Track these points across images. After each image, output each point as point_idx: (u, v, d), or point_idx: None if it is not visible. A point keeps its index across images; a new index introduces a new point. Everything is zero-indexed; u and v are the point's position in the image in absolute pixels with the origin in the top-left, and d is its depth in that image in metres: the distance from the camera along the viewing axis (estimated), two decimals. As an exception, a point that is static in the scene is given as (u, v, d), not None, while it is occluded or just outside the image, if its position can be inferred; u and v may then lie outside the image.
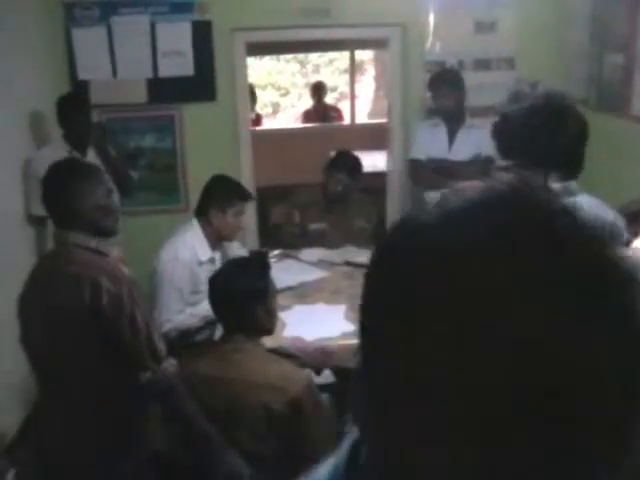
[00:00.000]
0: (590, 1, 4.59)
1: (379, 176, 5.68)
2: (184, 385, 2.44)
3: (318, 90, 8.59)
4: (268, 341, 2.73)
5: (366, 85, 10.59)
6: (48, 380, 2.46)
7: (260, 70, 10.39)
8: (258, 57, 9.69)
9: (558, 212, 0.62)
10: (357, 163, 4.48)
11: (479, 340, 0.53)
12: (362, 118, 9.25)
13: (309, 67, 11.76)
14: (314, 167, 6.14)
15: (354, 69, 8.88)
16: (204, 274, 3.48)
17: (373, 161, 6.20)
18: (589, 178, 2.41)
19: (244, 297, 2.54)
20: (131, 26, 4.69)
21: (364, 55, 10.19)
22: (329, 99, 8.76)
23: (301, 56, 11.35)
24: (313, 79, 10.33)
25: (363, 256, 4.16)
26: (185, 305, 3.44)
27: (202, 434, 2.39)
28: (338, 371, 3.54)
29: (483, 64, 4.95)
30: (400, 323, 0.58)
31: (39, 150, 4.24)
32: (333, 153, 4.98)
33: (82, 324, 2.33)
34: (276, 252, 4.13)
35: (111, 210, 2.50)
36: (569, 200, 1.97)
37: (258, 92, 8.80)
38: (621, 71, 4.23)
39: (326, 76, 10.57)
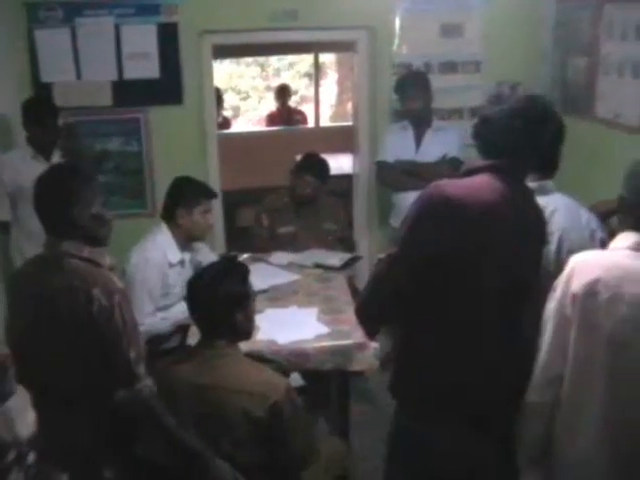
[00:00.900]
0: (554, 5, 4.67)
1: (345, 179, 5.70)
2: (161, 404, 2.40)
3: (283, 93, 8.58)
4: (243, 345, 2.71)
5: (327, 89, 10.61)
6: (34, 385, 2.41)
7: (221, 74, 10.33)
8: (219, 60, 9.64)
9: None
10: (325, 165, 4.48)
11: None
12: (324, 121, 9.28)
13: (269, 70, 11.75)
14: (280, 170, 6.14)
15: (319, 72, 8.90)
16: (174, 276, 3.47)
17: (338, 164, 6.21)
18: (555, 180, 2.46)
19: (228, 302, 2.52)
20: (96, 28, 4.60)
21: (325, 59, 10.22)
22: (290, 103, 8.77)
23: (261, 59, 11.34)
24: (274, 83, 10.33)
25: (332, 258, 4.18)
26: (155, 308, 3.41)
27: (187, 450, 2.36)
28: (307, 374, 3.55)
29: (450, 67, 4.98)
30: None
31: (3, 154, 4.17)
32: (299, 156, 4.98)
33: (73, 333, 2.30)
34: (245, 256, 4.11)
35: (105, 219, 2.45)
36: (544, 198, 2.01)
37: (220, 95, 8.75)
38: (584, 74, 4.32)
39: (287, 80, 10.57)
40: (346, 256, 4.25)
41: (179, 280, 3.45)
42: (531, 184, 2.23)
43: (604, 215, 2.57)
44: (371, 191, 5.21)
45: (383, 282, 2.10)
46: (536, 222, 2.15)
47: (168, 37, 4.70)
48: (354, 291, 3.79)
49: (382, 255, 2.12)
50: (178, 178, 3.65)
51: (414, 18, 4.86)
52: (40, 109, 4.13)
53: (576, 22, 4.39)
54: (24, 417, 1.73)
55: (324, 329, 3.26)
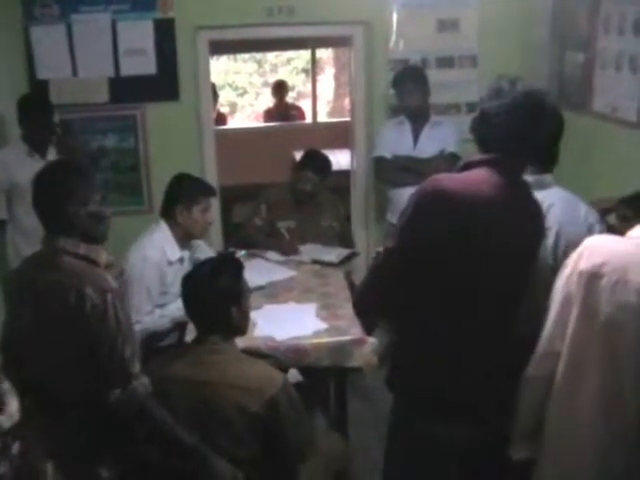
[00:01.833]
0: (551, 0, 4.65)
1: (342, 174, 5.68)
2: (156, 402, 2.39)
3: (280, 89, 8.56)
4: (240, 342, 2.71)
5: (324, 84, 10.60)
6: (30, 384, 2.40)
7: (217, 70, 10.31)
8: (215, 57, 9.63)
9: None
10: (326, 162, 4.48)
11: None
12: (322, 117, 9.26)
13: (267, 67, 11.73)
14: (277, 166, 6.13)
15: (315, 68, 8.89)
16: (173, 274, 3.45)
17: (336, 159, 6.17)
18: (552, 174, 2.46)
19: (224, 297, 2.53)
20: (92, 24, 4.59)
21: (322, 54, 10.20)
22: (287, 98, 8.76)
23: (258, 56, 11.33)
24: (271, 79, 10.31)
25: (330, 254, 4.17)
26: (154, 307, 3.40)
27: (185, 447, 2.36)
28: (305, 370, 3.54)
29: (446, 62, 4.98)
30: None
31: (-3, 151, 4.16)
32: (296, 152, 4.97)
33: (65, 331, 2.28)
34: (242, 252, 4.09)
35: (104, 217, 2.44)
36: (541, 192, 2.02)
37: (216, 92, 8.74)
38: (581, 69, 4.31)
39: (284, 75, 10.55)
40: (344, 252, 4.25)
41: (177, 278, 3.43)
42: (529, 178, 2.23)
43: (601, 213, 2.58)
44: (368, 187, 5.21)
45: (380, 275, 2.11)
46: (533, 217, 2.14)
47: (164, 33, 4.69)
48: (351, 286, 3.79)
49: (380, 249, 2.12)
50: (177, 176, 3.61)
51: (410, 13, 4.86)
52: (35, 106, 4.11)
53: (573, 16, 4.38)
54: (6, 406, 1.70)
55: (322, 325, 3.26)
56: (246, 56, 11.29)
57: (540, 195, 2.22)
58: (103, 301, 2.27)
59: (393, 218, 4.38)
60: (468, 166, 2.06)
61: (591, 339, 1.94)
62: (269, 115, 8.59)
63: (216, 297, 2.51)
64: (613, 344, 1.91)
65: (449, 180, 1.99)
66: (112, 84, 4.72)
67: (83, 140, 4.69)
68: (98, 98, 4.73)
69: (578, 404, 1.98)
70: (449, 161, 4.23)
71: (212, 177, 4.91)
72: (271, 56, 11.39)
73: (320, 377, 3.74)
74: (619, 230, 2.29)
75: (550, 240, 2.31)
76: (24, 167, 3.86)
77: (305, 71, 10.75)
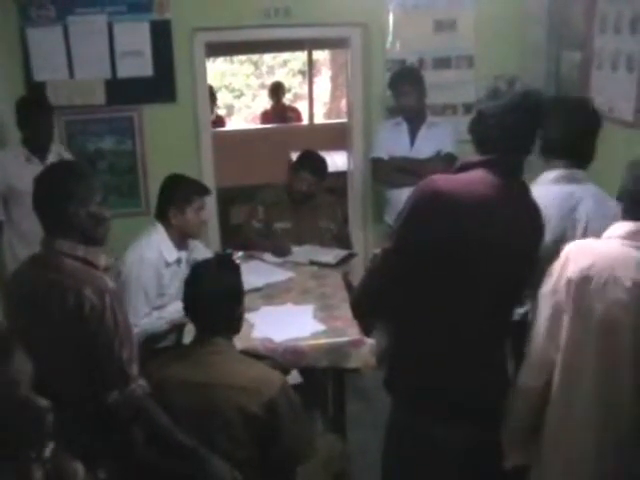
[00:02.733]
0: (547, 0, 4.66)
1: (339, 176, 5.69)
2: (155, 403, 2.38)
3: (277, 91, 8.58)
4: (238, 343, 2.71)
5: (320, 86, 10.60)
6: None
7: (214, 72, 10.31)
8: (212, 59, 9.63)
9: None
10: (323, 163, 4.46)
11: None
12: (319, 118, 9.27)
13: (263, 68, 11.74)
14: (274, 167, 6.14)
15: (312, 69, 8.89)
16: (170, 276, 3.45)
17: (333, 161, 6.19)
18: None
19: (229, 296, 2.54)
20: (88, 26, 4.59)
21: (319, 56, 10.21)
22: (284, 100, 8.77)
23: (255, 57, 11.34)
24: (267, 80, 10.32)
25: (327, 255, 4.17)
26: (151, 309, 3.39)
27: (183, 449, 2.35)
28: (306, 371, 3.54)
29: (443, 62, 4.99)
30: None
31: (-5, 154, 4.15)
32: (293, 153, 4.97)
33: (64, 332, 2.28)
34: (240, 254, 4.09)
35: (104, 219, 2.43)
36: (572, 186, 2.05)
37: (213, 94, 8.74)
38: (578, 69, 4.31)
39: (280, 77, 10.57)
40: (341, 253, 4.25)
41: (175, 280, 3.43)
42: (560, 171, 2.27)
43: None
44: (366, 188, 5.21)
45: (377, 276, 2.11)
46: (531, 217, 2.14)
47: (161, 35, 4.69)
48: (349, 287, 3.78)
49: (377, 250, 2.12)
50: (169, 177, 3.60)
51: (407, 14, 4.87)
52: (34, 108, 4.10)
53: (569, 16, 4.39)
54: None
55: (320, 326, 3.25)
56: (243, 58, 11.31)
57: (570, 189, 2.28)
58: (101, 302, 2.26)
59: (391, 219, 4.38)
60: (465, 167, 2.06)
61: (587, 341, 1.96)
62: (266, 117, 8.60)
63: (222, 296, 2.51)
64: (609, 342, 1.93)
65: (446, 181, 1.98)
66: (109, 86, 4.72)
67: (76, 143, 4.71)
68: (95, 100, 4.73)
69: (576, 408, 1.99)
70: (446, 162, 4.23)
71: (209, 178, 4.91)
72: (268, 58, 11.40)
73: (318, 378, 3.74)
74: None
75: (578, 232, 2.38)
76: (21, 171, 3.86)
77: (302, 73, 10.75)
